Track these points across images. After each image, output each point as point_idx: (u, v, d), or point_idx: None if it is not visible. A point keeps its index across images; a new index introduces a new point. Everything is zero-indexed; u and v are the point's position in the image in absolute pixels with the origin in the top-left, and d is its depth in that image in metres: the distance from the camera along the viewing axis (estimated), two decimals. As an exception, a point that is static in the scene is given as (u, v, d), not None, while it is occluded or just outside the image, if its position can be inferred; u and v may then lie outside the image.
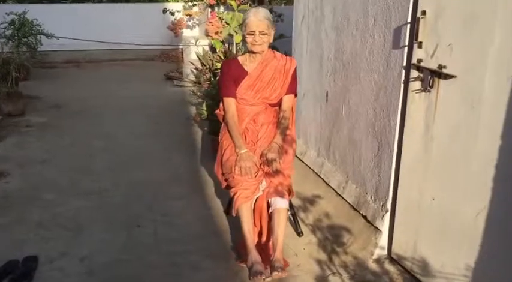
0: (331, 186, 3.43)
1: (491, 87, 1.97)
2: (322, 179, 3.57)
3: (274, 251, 2.57)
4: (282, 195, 2.68)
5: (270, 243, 2.72)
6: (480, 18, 1.99)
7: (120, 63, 8.81)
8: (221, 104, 2.99)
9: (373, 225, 2.87)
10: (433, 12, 2.24)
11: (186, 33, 8.72)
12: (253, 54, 2.88)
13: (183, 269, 2.74)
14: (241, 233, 2.65)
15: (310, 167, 3.76)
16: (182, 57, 8.81)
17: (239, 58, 2.99)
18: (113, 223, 3.23)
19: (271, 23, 2.83)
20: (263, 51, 2.86)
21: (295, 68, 2.92)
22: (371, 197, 2.94)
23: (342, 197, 3.26)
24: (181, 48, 9.01)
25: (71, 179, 3.92)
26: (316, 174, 3.67)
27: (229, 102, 2.90)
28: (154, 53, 9.34)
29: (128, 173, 4.05)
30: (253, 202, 2.72)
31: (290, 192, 2.78)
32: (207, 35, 7.50)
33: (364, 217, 2.97)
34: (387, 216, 2.77)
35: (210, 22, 7.37)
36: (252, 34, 2.78)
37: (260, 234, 2.80)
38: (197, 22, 8.72)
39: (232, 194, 2.70)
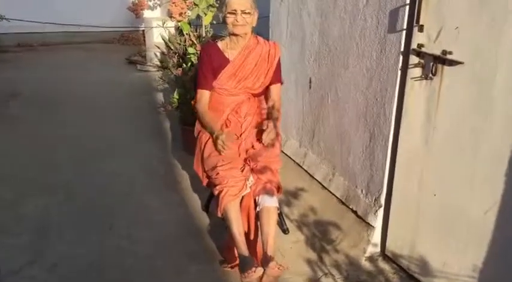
0: (315, 179, 3.24)
1: (506, 74, 1.80)
2: (306, 171, 3.38)
3: (265, 252, 2.36)
4: (271, 193, 2.46)
5: (259, 244, 2.51)
6: (494, -2, 1.80)
7: (78, 46, 8.26)
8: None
9: (364, 221, 2.71)
10: (437, -8, 2.04)
11: (147, 14, 8.27)
12: (235, 39, 2.63)
13: (165, 274, 2.52)
14: (229, 234, 2.42)
15: (291, 158, 3.56)
16: (144, 40, 8.37)
17: (219, 44, 2.72)
18: (83, 224, 2.94)
19: (255, 3, 2.58)
20: (246, 34, 2.61)
21: (280, 54, 2.69)
22: (362, 191, 2.77)
23: (329, 190, 3.08)
24: (143, 31, 8.57)
25: (33, 174, 3.57)
26: (298, 165, 3.48)
27: (203, 94, 2.68)
28: (114, 36, 8.83)
29: (96, 166, 3.74)
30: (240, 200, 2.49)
31: (279, 189, 2.57)
32: (170, 17, 7.11)
33: (355, 212, 2.81)
34: (380, 211, 2.62)
35: (174, 3, 6.96)
36: (234, 13, 2.52)
37: (247, 235, 2.57)
38: (158, 2, 8.28)
39: (217, 192, 2.46)
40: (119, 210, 3.12)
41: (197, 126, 2.74)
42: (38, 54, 7.87)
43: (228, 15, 2.54)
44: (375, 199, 2.64)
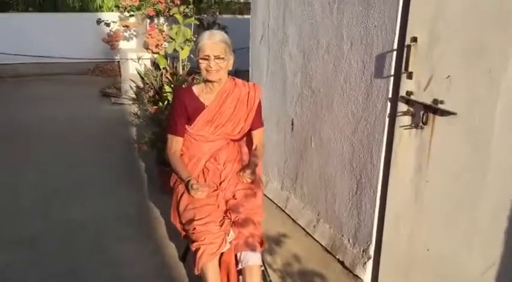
0: (299, 224, 3.09)
1: (503, 125, 1.71)
2: (288, 215, 3.23)
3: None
4: (253, 249, 2.29)
5: (240, 302, 2.34)
6: (488, 43, 1.72)
7: (51, 78, 8.02)
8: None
9: (352, 273, 2.57)
10: (426, 38, 1.96)
11: (123, 45, 8.14)
12: (210, 84, 2.49)
13: None
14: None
15: (273, 201, 3.41)
16: (119, 72, 8.22)
17: (194, 88, 2.58)
18: (50, 279, 2.69)
19: (229, 47, 2.44)
20: (220, 80, 2.47)
21: (260, 96, 2.56)
22: (349, 241, 2.63)
23: (313, 238, 2.93)
24: (118, 61, 8.43)
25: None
26: (280, 209, 3.33)
27: (174, 140, 2.53)
28: (88, 67, 8.65)
29: (64, 212, 3.48)
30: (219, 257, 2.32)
31: (262, 243, 2.40)
32: (147, 48, 7.00)
33: (341, 262, 2.66)
34: (370, 263, 2.47)
35: (150, 34, 6.88)
36: (206, 59, 2.38)
37: (227, 293, 2.39)
38: (134, 33, 8.17)
39: (194, 249, 2.28)
40: (89, 261, 2.88)
41: (173, 176, 2.57)
42: (8, 86, 7.60)
43: (200, 60, 2.40)
44: (363, 250, 2.50)
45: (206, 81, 2.48)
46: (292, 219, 3.16)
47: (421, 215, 2.10)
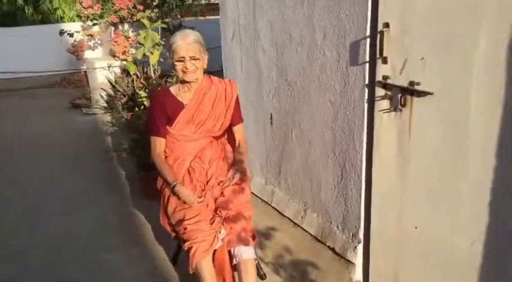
0: (286, 216, 3.13)
1: (479, 101, 1.78)
2: (274, 208, 3.26)
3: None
4: (246, 243, 2.32)
5: (237, 297, 2.36)
6: (458, 24, 1.78)
7: (17, 93, 7.81)
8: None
9: (343, 258, 2.62)
10: (398, 23, 2.02)
11: (88, 55, 8.02)
12: (188, 84, 2.50)
13: None
14: (203, 293, 2.26)
15: (258, 196, 3.43)
16: (87, 82, 8.09)
17: (171, 89, 2.60)
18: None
19: (203, 46, 2.46)
20: (197, 79, 2.49)
21: (237, 91, 2.60)
22: (338, 227, 2.68)
23: (302, 228, 2.97)
24: (85, 72, 8.30)
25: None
26: (266, 203, 3.36)
27: (157, 142, 2.54)
28: (54, 79, 8.47)
29: (49, 227, 3.42)
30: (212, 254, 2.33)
31: (254, 237, 2.43)
32: (113, 56, 6.92)
33: (332, 249, 2.70)
34: (360, 247, 2.53)
35: (115, 41, 6.81)
36: (182, 60, 2.40)
37: (224, 289, 2.40)
38: (99, 42, 8.06)
39: (186, 248, 2.29)
40: (78, 273, 2.85)
41: (159, 179, 2.57)
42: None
43: (176, 63, 2.41)
44: (353, 235, 2.56)
45: (183, 81, 2.49)
46: (279, 212, 3.19)
47: (406, 195, 2.17)
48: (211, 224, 2.31)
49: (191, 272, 2.28)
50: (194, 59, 2.41)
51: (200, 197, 2.39)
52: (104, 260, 2.99)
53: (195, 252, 2.23)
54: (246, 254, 2.29)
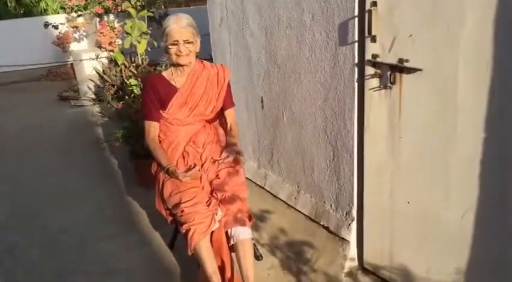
0: (280, 198, 3.17)
1: (467, 76, 1.82)
2: (268, 191, 3.30)
3: (246, 288, 2.25)
4: (243, 224, 2.36)
5: (235, 277, 2.40)
6: (445, 2, 1.82)
7: (2, 88, 7.75)
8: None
9: (338, 236, 2.67)
10: (386, 2, 2.04)
11: (74, 47, 7.95)
12: (181, 68, 2.52)
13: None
14: (202, 273, 2.29)
15: (251, 180, 3.47)
16: (74, 74, 8.03)
17: (164, 73, 2.61)
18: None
19: (196, 30, 2.49)
20: (191, 63, 2.51)
21: (228, 76, 2.62)
22: (331, 206, 2.73)
23: (295, 209, 3.01)
24: (71, 64, 8.23)
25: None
26: (260, 186, 3.40)
27: (151, 126, 2.55)
28: (40, 72, 8.40)
29: (42, 220, 3.43)
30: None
31: (250, 217, 2.47)
32: (100, 47, 6.87)
33: (326, 228, 2.75)
34: (354, 224, 2.58)
35: (101, 32, 6.76)
36: (176, 44, 2.42)
37: (222, 270, 2.43)
38: (84, 34, 7.99)
39: (184, 230, 2.32)
40: (76, 263, 2.89)
41: (154, 164, 2.60)
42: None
43: (170, 46, 2.43)
44: (346, 213, 2.60)
45: (176, 65, 2.51)
46: (273, 195, 3.23)
47: (398, 171, 2.21)
48: (208, 206, 2.34)
49: (190, 254, 2.31)
50: (188, 43, 2.43)
51: (195, 166, 2.39)
52: (102, 249, 3.03)
53: (193, 234, 2.26)
54: (243, 234, 2.33)
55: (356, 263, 2.61)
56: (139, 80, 4.00)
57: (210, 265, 2.25)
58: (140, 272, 2.75)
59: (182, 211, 2.32)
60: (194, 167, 2.39)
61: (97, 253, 2.98)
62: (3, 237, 3.24)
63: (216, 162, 2.48)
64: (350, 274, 2.58)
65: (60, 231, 3.27)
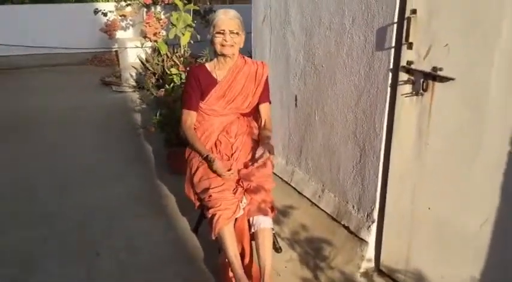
0: (304, 196, 3.24)
1: (498, 88, 1.85)
2: (294, 188, 3.38)
3: (262, 275, 2.34)
4: (265, 213, 2.45)
5: (254, 265, 2.49)
6: (484, 12, 1.85)
7: (49, 69, 8.10)
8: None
9: (357, 237, 2.72)
10: (425, 10, 2.09)
11: (120, 35, 8.23)
12: (223, 60, 2.63)
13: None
14: (224, 257, 2.40)
15: (278, 176, 3.55)
16: (117, 61, 8.31)
17: (207, 65, 2.73)
18: (68, 254, 2.85)
19: (242, 23, 2.60)
20: (234, 55, 2.62)
21: (267, 73, 2.71)
22: (353, 207, 2.78)
23: (319, 207, 3.08)
24: (116, 51, 8.51)
25: (9, 206, 3.44)
26: (286, 182, 3.48)
27: (190, 115, 2.66)
28: (86, 57, 8.74)
29: (77, 195, 3.63)
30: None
31: (273, 209, 2.56)
32: (144, 37, 7.10)
33: (346, 228, 2.81)
34: (374, 226, 2.63)
35: (147, 23, 6.97)
36: (222, 33, 2.53)
37: (241, 256, 2.53)
38: (131, 23, 8.25)
39: (210, 215, 2.43)
40: (105, 237, 3.04)
41: (187, 149, 2.71)
42: (6, 78, 7.68)
43: (216, 35, 2.54)
44: (368, 214, 2.66)
45: (219, 56, 2.62)
46: (298, 192, 3.31)
47: (422, 176, 2.25)
48: (234, 193, 2.44)
49: (213, 238, 2.42)
50: (233, 33, 2.54)
51: (230, 170, 2.49)
52: (130, 227, 3.17)
53: (219, 218, 2.37)
54: (264, 223, 2.42)
55: (373, 264, 2.66)
56: (179, 70, 4.14)
57: (232, 249, 2.35)
58: (163, 252, 2.88)
59: (210, 196, 2.43)
60: (230, 170, 2.48)
61: (124, 230, 3.13)
62: (42, 206, 3.44)
63: (249, 149, 2.58)
64: (365, 275, 2.62)
65: (92, 206, 3.44)
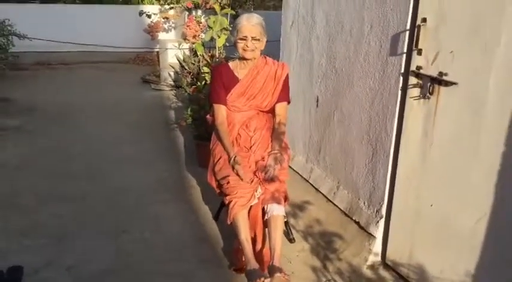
0: (321, 192, 3.41)
1: (496, 93, 1.98)
2: (312, 185, 3.55)
3: (272, 258, 2.52)
4: (278, 202, 2.64)
5: (265, 250, 2.68)
6: (485, 22, 2.00)
7: (94, 65, 8.59)
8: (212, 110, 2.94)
9: (366, 231, 2.87)
10: (434, 19, 2.25)
11: (162, 36, 8.60)
12: (245, 61, 2.84)
13: (177, 277, 2.67)
14: (237, 241, 2.60)
15: (298, 173, 3.74)
16: (158, 61, 8.68)
17: (230, 64, 2.94)
18: (98, 230, 3.12)
19: (264, 29, 2.79)
20: (255, 58, 2.82)
21: (287, 74, 2.88)
22: (364, 203, 2.93)
23: (333, 203, 3.24)
24: (157, 52, 8.88)
25: (49, 184, 3.77)
26: (305, 179, 3.65)
27: (219, 109, 2.86)
28: (129, 56, 9.18)
29: (109, 179, 3.93)
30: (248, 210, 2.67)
31: (286, 198, 2.74)
32: (185, 39, 7.42)
33: (357, 223, 2.96)
34: (382, 222, 2.77)
35: (188, 25, 7.28)
36: (244, 39, 2.73)
37: (254, 242, 2.73)
38: (173, 25, 8.61)
39: (227, 202, 2.64)
40: (132, 218, 3.30)
41: (213, 139, 2.93)
42: (55, 72, 8.20)
43: (238, 40, 2.75)
44: (377, 210, 2.81)
45: (241, 58, 2.83)
46: (315, 188, 3.48)
47: (426, 175, 2.40)
48: (251, 183, 2.64)
49: (229, 223, 2.63)
50: (255, 39, 2.74)
51: (252, 182, 2.64)
52: (156, 210, 3.43)
53: (234, 205, 2.58)
54: (277, 210, 2.61)
55: (379, 258, 2.80)
56: (211, 68, 4.39)
57: (244, 233, 2.55)
58: (184, 235, 3.11)
59: (228, 183, 2.64)
60: (249, 180, 2.65)
61: (150, 212, 3.39)
62: (76, 187, 3.75)
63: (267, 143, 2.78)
64: (372, 267, 2.77)
65: (122, 190, 3.73)
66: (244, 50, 2.75)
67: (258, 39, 2.74)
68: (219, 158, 2.80)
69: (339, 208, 3.17)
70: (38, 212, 3.33)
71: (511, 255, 2.01)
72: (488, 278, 2.13)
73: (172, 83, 6.77)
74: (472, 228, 2.16)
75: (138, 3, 9.69)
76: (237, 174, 2.65)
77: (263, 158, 2.76)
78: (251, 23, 2.72)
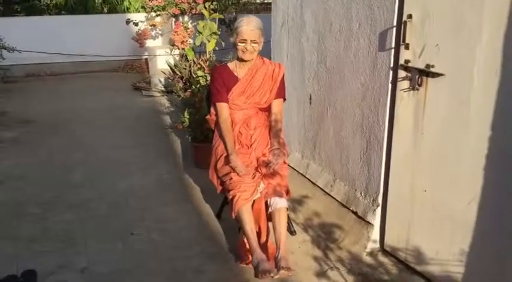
0: (318, 186, 3.54)
1: (480, 82, 2.13)
2: (308, 179, 3.68)
3: (278, 249, 2.64)
4: (280, 195, 2.77)
5: (269, 243, 2.80)
6: (467, 17, 2.14)
7: (85, 75, 8.65)
8: (212, 110, 3.05)
9: (364, 220, 3.00)
10: (419, 15, 2.40)
11: (150, 43, 8.69)
12: (243, 61, 2.96)
13: (186, 274, 2.77)
14: (242, 234, 2.72)
15: (295, 169, 3.86)
16: (147, 68, 8.77)
17: (229, 64, 3.07)
18: (106, 233, 3.21)
19: (262, 32, 2.92)
20: (252, 59, 2.95)
21: (284, 73, 3.02)
22: (361, 194, 3.07)
23: (331, 196, 3.37)
24: (145, 59, 8.97)
25: (53, 192, 3.84)
26: (302, 175, 3.78)
27: (222, 107, 2.97)
28: (118, 64, 9.24)
29: (111, 184, 4.02)
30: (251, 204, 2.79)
31: (287, 192, 2.87)
32: (172, 45, 7.53)
33: (355, 213, 3.09)
34: (378, 210, 2.91)
35: (176, 32, 7.40)
36: (244, 42, 2.86)
37: (258, 235, 2.85)
38: (160, 32, 8.71)
39: (230, 197, 2.76)
40: (137, 220, 3.40)
41: (215, 137, 3.05)
42: (46, 83, 8.23)
43: (238, 43, 2.88)
44: (373, 199, 2.94)
45: (240, 60, 2.96)
46: (312, 182, 3.61)
47: (418, 162, 2.54)
48: (253, 178, 2.77)
49: (234, 217, 2.75)
50: (254, 42, 2.87)
51: (254, 177, 2.77)
52: (160, 212, 3.53)
53: (238, 199, 2.70)
54: (280, 203, 2.74)
55: (378, 244, 2.94)
56: (205, 72, 4.51)
57: (249, 225, 2.67)
58: (190, 234, 3.21)
59: (231, 178, 2.77)
60: (246, 171, 2.78)
61: (154, 214, 3.48)
62: (80, 194, 3.83)
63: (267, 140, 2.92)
64: (371, 254, 2.91)
65: (125, 193, 3.82)
66: (243, 51, 2.88)
67: (257, 42, 2.87)
68: (221, 155, 2.92)
69: (337, 200, 3.30)
70: (45, 219, 3.40)
71: (501, 233, 2.15)
72: (480, 255, 2.27)
73: (163, 88, 6.87)
74: (464, 209, 2.30)
75: (124, 12, 9.76)
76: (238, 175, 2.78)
77: (264, 154, 2.88)
78: (250, 27, 2.84)
